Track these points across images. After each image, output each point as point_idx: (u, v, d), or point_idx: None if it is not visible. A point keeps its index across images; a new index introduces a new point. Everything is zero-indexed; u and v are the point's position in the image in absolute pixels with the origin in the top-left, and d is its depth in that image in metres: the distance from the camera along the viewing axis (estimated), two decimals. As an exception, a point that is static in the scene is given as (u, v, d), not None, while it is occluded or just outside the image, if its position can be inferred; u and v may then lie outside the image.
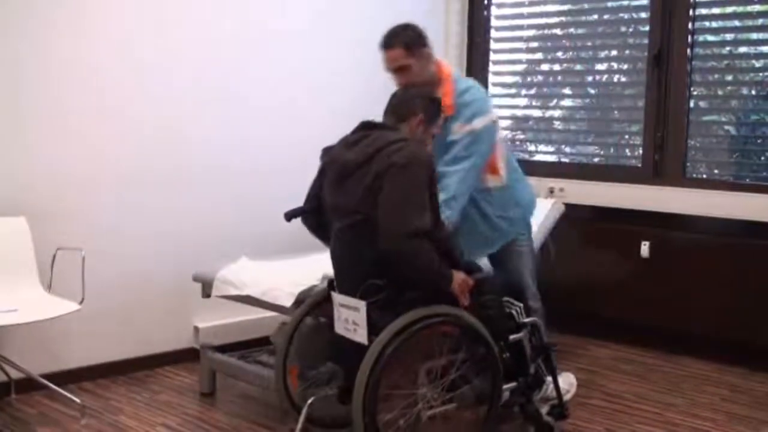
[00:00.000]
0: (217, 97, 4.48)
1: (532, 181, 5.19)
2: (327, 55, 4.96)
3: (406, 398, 2.92)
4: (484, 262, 3.82)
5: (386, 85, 5.14)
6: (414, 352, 2.91)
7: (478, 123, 3.44)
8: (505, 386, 3.12)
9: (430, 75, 3.50)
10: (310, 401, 3.17)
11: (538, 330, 3.29)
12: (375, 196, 2.87)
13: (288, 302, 3.52)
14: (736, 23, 4.80)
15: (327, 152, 3.15)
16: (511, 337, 3.18)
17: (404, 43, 3.43)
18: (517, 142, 5.74)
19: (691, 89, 4.78)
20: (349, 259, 3.03)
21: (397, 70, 3.45)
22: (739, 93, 4.82)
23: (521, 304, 3.25)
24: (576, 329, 4.91)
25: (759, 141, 4.76)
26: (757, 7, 4.64)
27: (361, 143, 2.99)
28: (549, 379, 3.35)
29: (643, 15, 4.94)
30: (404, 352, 2.86)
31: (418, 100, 3.13)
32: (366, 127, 3.07)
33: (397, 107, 3.13)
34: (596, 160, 5.29)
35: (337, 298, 3.03)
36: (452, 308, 2.96)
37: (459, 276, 2.98)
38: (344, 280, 3.07)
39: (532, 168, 5.40)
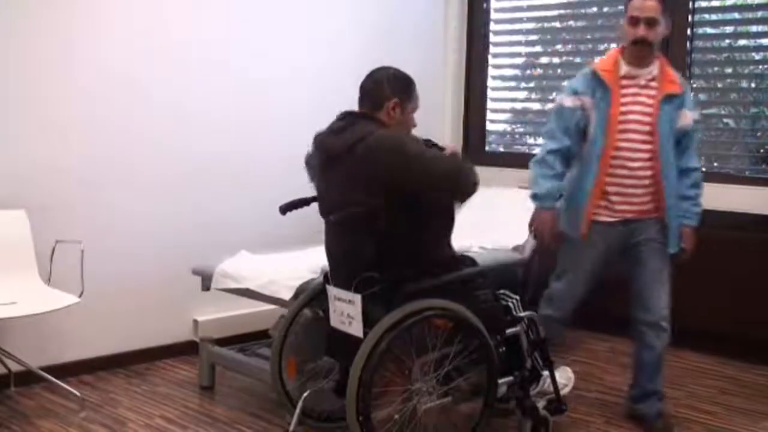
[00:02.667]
0: (218, 94, 4.47)
1: (532, 174, 5.21)
2: (328, 56, 4.95)
3: (400, 393, 2.92)
4: (482, 256, 3.82)
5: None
6: (408, 347, 2.91)
7: (697, 112, 3.52)
8: (502, 380, 3.12)
9: (659, 44, 3.43)
10: (305, 395, 3.17)
11: (535, 324, 3.28)
12: (367, 187, 2.87)
13: (287, 295, 3.52)
14: (736, 16, 4.80)
15: (316, 137, 3.15)
16: (508, 330, 3.18)
17: None
18: (516, 136, 5.74)
19: (691, 82, 4.78)
20: (344, 251, 3.03)
21: (648, 21, 3.31)
22: (739, 86, 4.82)
23: (517, 297, 3.24)
24: (575, 323, 4.90)
25: (758, 134, 4.76)
26: (756, 0, 4.63)
27: (346, 131, 2.97)
28: (546, 373, 3.34)
29: (643, 8, 4.93)
30: (398, 347, 2.86)
31: (386, 82, 3.06)
32: (352, 115, 3.05)
33: (369, 95, 3.06)
34: (596, 153, 5.29)
35: (333, 291, 3.03)
36: (447, 302, 2.95)
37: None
38: (339, 272, 3.07)
39: (532, 161, 5.41)
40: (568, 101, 3.46)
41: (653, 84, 3.39)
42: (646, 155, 3.38)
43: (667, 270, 3.51)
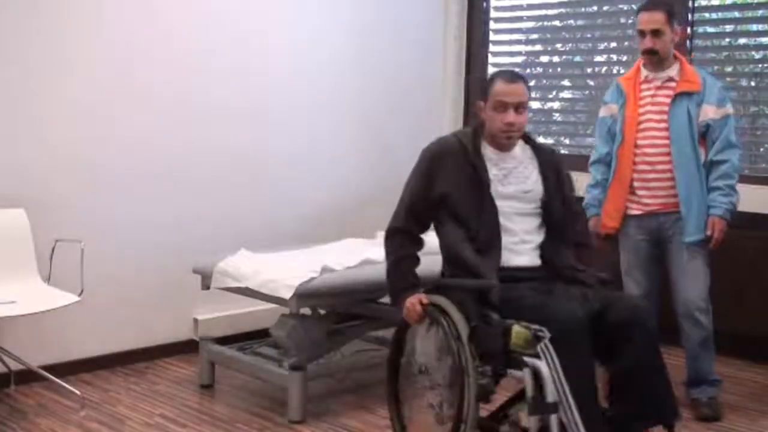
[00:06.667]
0: (217, 94, 4.47)
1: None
2: (328, 56, 4.94)
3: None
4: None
5: (386, 86, 5.18)
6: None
7: (729, 107, 3.66)
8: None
9: (669, 52, 3.66)
10: None
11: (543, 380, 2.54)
12: None
13: (287, 294, 3.52)
14: (736, 14, 4.79)
15: None
16: (507, 369, 2.63)
17: (667, 9, 3.61)
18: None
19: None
20: None
21: (653, 32, 3.58)
22: (739, 84, 4.81)
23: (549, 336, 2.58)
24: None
25: (758, 132, 4.75)
26: (756, -2, 4.63)
27: None
28: None
29: (643, 6, 4.93)
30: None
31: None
32: None
33: None
34: (595, 151, 5.28)
35: None
36: (447, 304, 2.80)
37: (412, 300, 2.84)
38: None
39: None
40: (601, 112, 3.87)
41: (671, 84, 3.67)
42: (664, 150, 3.64)
43: (698, 261, 3.68)
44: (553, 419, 2.50)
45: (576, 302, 2.71)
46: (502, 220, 2.87)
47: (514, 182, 2.94)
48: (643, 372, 2.71)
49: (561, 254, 2.93)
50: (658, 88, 3.68)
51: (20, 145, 3.83)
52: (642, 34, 3.63)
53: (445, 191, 2.91)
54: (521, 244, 2.89)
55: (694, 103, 3.61)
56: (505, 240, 2.86)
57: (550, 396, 2.50)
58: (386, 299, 3.97)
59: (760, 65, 4.65)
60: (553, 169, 3.03)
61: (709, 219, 3.62)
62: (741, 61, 4.78)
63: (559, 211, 2.97)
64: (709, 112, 3.60)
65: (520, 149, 3.02)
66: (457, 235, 2.90)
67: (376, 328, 4.10)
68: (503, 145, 2.96)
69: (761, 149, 4.73)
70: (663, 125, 3.63)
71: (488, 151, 2.96)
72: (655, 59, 3.65)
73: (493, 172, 2.92)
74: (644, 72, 3.73)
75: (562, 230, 2.97)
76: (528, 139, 3.06)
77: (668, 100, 3.63)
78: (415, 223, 2.98)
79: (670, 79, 3.67)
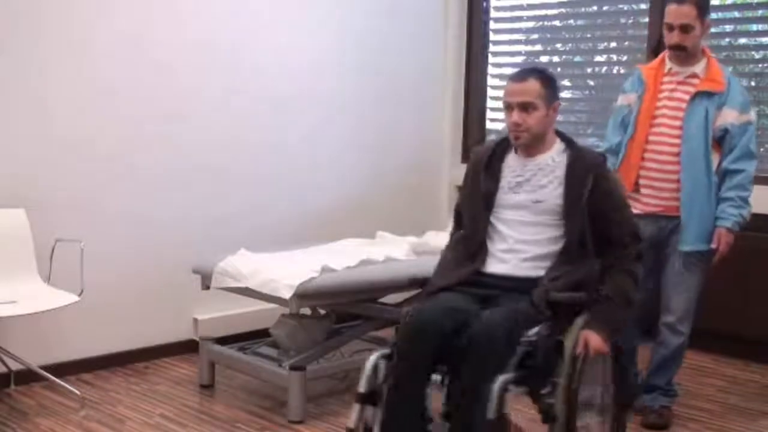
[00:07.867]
0: (217, 94, 4.46)
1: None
2: (327, 56, 4.93)
3: None
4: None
5: (386, 87, 5.18)
6: None
7: (752, 114, 3.47)
8: None
9: (698, 47, 3.47)
10: None
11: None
12: None
13: (287, 294, 3.52)
14: (736, 14, 4.79)
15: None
16: None
17: (698, 2, 3.37)
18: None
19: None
20: None
21: (681, 27, 3.36)
22: (739, 84, 4.81)
23: None
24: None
25: (758, 132, 4.74)
26: (756, -2, 4.64)
27: None
28: None
29: (643, 6, 4.93)
30: None
31: None
32: None
33: None
34: (595, 151, 5.28)
35: None
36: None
37: None
38: None
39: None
40: (619, 100, 3.65)
41: (693, 81, 3.46)
42: (675, 150, 3.44)
43: (691, 271, 3.52)
44: (354, 407, 2.65)
45: (451, 312, 2.65)
46: (501, 227, 2.82)
47: (528, 190, 2.80)
48: (463, 399, 2.56)
49: (555, 269, 2.73)
50: (680, 83, 3.46)
51: (20, 145, 3.83)
52: (669, 27, 3.39)
53: (461, 195, 2.97)
54: (508, 253, 2.79)
55: (714, 104, 3.39)
56: (495, 247, 2.81)
57: (362, 387, 2.64)
58: (386, 299, 4.00)
59: (760, 65, 4.65)
60: (585, 179, 2.75)
61: (716, 230, 3.41)
62: (741, 61, 4.77)
63: (578, 224, 2.74)
64: (729, 117, 3.39)
65: (554, 156, 2.83)
66: (457, 237, 2.94)
67: (376, 328, 4.10)
68: (523, 149, 2.83)
69: (761, 149, 4.72)
70: (677, 123, 3.42)
71: (510, 157, 2.87)
72: (683, 55, 3.43)
73: (507, 179, 2.83)
74: (668, 64, 3.51)
75: (584, 244, 2.75)
76: (570, 145, 2.85)
77: (687, 97, 3.42)
78: (460, 227, 3.00)
79: (694, 76, 3.45)
